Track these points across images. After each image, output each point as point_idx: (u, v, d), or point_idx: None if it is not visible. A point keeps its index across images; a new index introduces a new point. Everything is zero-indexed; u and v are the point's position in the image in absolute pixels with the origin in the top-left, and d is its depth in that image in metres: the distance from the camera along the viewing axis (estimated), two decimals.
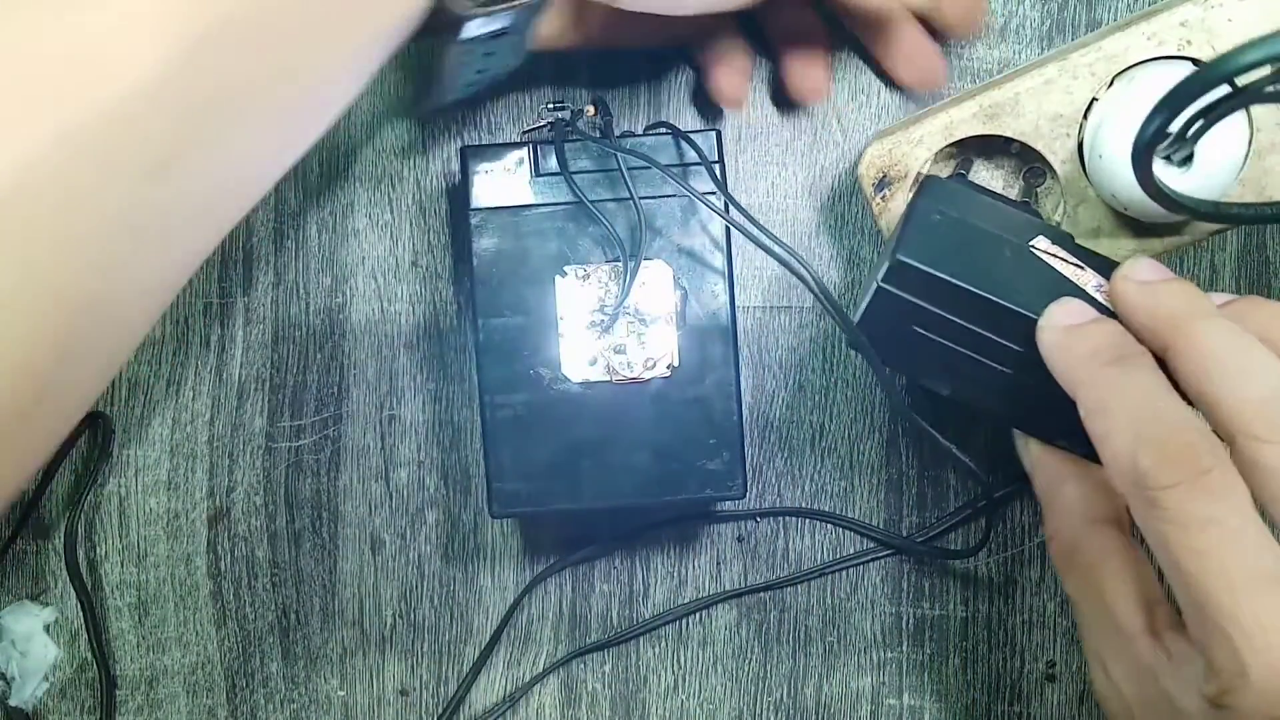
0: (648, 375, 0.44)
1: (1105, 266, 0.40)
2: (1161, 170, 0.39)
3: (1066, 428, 0.37)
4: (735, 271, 0.45)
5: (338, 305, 0.51)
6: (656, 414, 0.44)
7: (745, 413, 0.46)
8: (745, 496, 0.45)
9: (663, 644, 0.51)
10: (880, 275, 0.39)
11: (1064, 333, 0.37)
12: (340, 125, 0.50)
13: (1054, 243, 0.40)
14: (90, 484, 0.51)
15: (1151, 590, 0.36)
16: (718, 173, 0.44)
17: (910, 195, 0.44)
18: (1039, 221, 0.42)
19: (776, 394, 0.50)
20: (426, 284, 0.50)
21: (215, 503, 0.51)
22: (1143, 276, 0.37)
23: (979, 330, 0.39)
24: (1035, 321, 0.38)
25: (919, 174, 0.44)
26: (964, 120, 0.43)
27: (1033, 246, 0.40)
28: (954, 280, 0.38)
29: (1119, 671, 0.36)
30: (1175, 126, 0.36)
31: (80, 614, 0.51)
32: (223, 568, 0.51)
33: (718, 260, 0.44)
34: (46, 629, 0.51)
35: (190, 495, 0.51)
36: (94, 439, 0.51)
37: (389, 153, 0.50)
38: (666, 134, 0.44)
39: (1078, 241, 0.41)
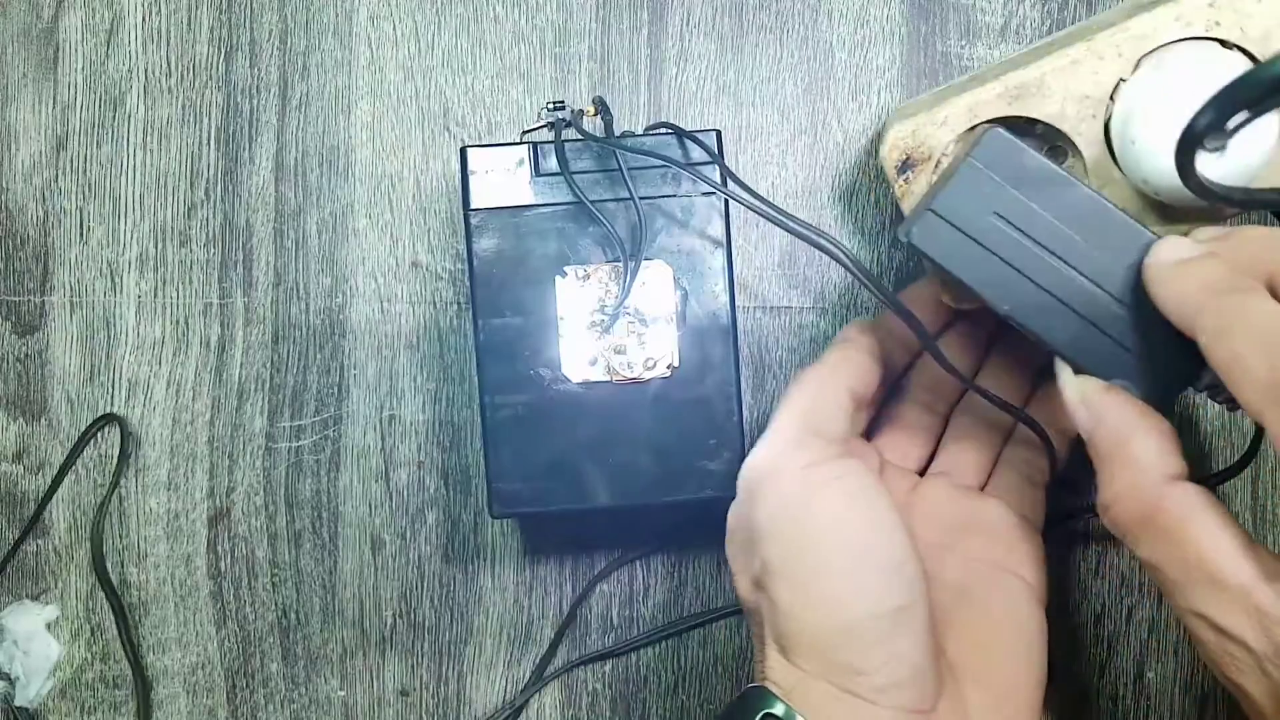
0: (648, 375, 0.44)
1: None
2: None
3: (1144, 364, 0.36)
4: (735, 271, 0.45)
5: (338, 305, 0.51)
6: (656, 414, 0.44)
7: (745, 413, 0.46)
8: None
9: (663, 644, 0.51)
10: (972, 151, 0.37)
11: (1174, 267, 0.36)
12: (340, 124, 0.50)
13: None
14: (113, 487, 0.51)
15: (1247, 537, 0.35)
16: (719, 171, 0.44)
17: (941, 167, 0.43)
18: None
19: (776, 394, 0.50)
20: (426, 284, 0.50)
21: (215, 503, 0.51)
22: (1174, 256, 0.37)
23: (1067, 230, 0.37)
24: (1137, 230, 0.37)
25: (941, 156, 0.43)
26: (989, 101, 0.42)
27: (1088, 181, 0.39)
28: (1055, 168, 0.37)
29: (1239, 625, 0.34)
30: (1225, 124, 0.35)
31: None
32: (223, 568, 0.51)
33: (718, 260, 0.44)
34: (48, 627, 0.51)
35: (190, 495, 0.51)
36: (119, 444, 0.51)
37: (389, 153, 0.51)
38: (667, 134, 0.44)
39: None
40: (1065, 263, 0.38)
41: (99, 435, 0.51)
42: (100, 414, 0.51)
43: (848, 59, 0.50)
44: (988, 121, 0.42)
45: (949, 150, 0.43)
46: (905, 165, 0.43)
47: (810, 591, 0.39)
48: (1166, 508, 0.36)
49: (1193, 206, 0.42)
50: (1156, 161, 0.39)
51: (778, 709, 0.38)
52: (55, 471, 0.51)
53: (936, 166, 0.43)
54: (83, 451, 0.51)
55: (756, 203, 0.42)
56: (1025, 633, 0.43)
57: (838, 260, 0.41)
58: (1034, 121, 0.42)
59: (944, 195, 0.38)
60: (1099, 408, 0.38)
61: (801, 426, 0.41)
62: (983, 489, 0.47)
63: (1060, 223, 0.37)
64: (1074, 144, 0.42)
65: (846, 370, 0.43)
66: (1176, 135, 0.36)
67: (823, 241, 0.41)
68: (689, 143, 0.44)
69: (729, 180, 0.43)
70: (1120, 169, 0.42)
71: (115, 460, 0.51)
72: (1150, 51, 0.41)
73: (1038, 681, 0.42)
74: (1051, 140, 0.44)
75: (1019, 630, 0.43)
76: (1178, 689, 0.50)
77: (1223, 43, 0.40)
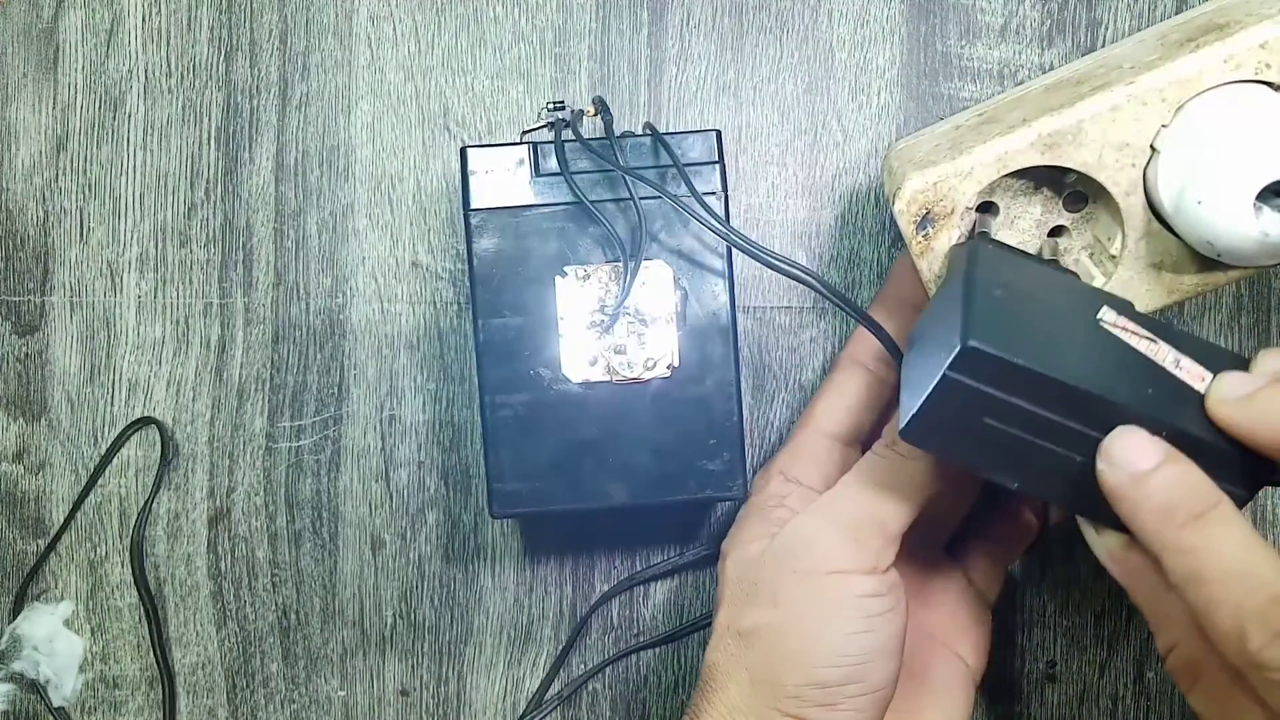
0: (648, 375, 0.44)
1: (1170, 335, 0.37)
2: (1271, 218, 0.36)
3: None
4: (735, 271, 0.45)
5: (338, 305, 0.51)
6: (656, 414, 0.44)
7: (745, 413, 0.46)
8: (746, 497, 0.45)
9: (662, 644, 0.51)
10: (947, 363, 0.34)
11: (1132, 484, 0.34)
12: (340, 124, 0.50)
13: (1119, 313, 0.37)
14: (155, 491, 0.51)
15: None
16: (719, 176, 0.44)
17: (955, 241, 0.40)
18: (1097, 290, 0.40)
19: (776, 394, 0.50)
20: (426, 284, 0.50)
21: (215, 503, 0.51)
22: (1239, 391, 0.35)
23: (1058, 419, 0.35)
24: (1119, 407, 0.34)
25: (962, 236, 0.40)
26: (1020, 150, 0.38)
27: (1101, 320, 0.36)
28: (1031, 366, 0.34)
29: None
30: None
31: (81, 615, 0.51)
32: (223, 568, 0.51)
33: (718, 260, 0.44)
34: (66, 623, 0.51)
35: (190, 495, 0.51)
36: (160, 448, 0.51)
37: (389, 153, 0.51)
38: (668, 134, 0.44)
39: (1136, 309, 0.38)
40: (1058, 446, 0.36)
41: (99, 435, 0.51)
42: (150, 419, 0.51)
43: (848, 59, 0.50)
44: (981, 237, 0.40)
45: (974, 202, 0.40)
46: (925, 221, 0.39)
47: (800, 662, 0.39)
48: (1210, 666, 0.35)
49: (1253, 264, 0.39)
50: (1228, 220, 0.36)
51: None
52: (56, 471, 0.51)
53: (958, 227, 0.40)
54: (118, 451, 0.51)
55: (722, 229, 0.42)
56: (955, 714, 0.44)
57: (806, 284, 0.41)
58: (1066, 171, 0.40)
59: (930, 403, 0.35)
60: (1127, 569, 0.37)
61: (873, 520, 0.40)
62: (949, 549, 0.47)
63: (1053, 415, 0.35)
64: (1105, 191, 0.40)
65: (915, 472, 0.41)
66: (1251, 192, 0.34)
67: (788, 268, 0.41)
68: (689, 142, 0.44)
69: (699, 203, 0.43)
70: (1168, 224, 0.39)
71: (156, 464, 0.51)
72: (1194, 96, 0.38)
73: None
74: (1065, 184, 0.41)
75: (948, 714, 0.44)
76: (1178, 689, 0.50)
77: (1272, 86, 0.38)
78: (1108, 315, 0.37)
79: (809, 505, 0.42)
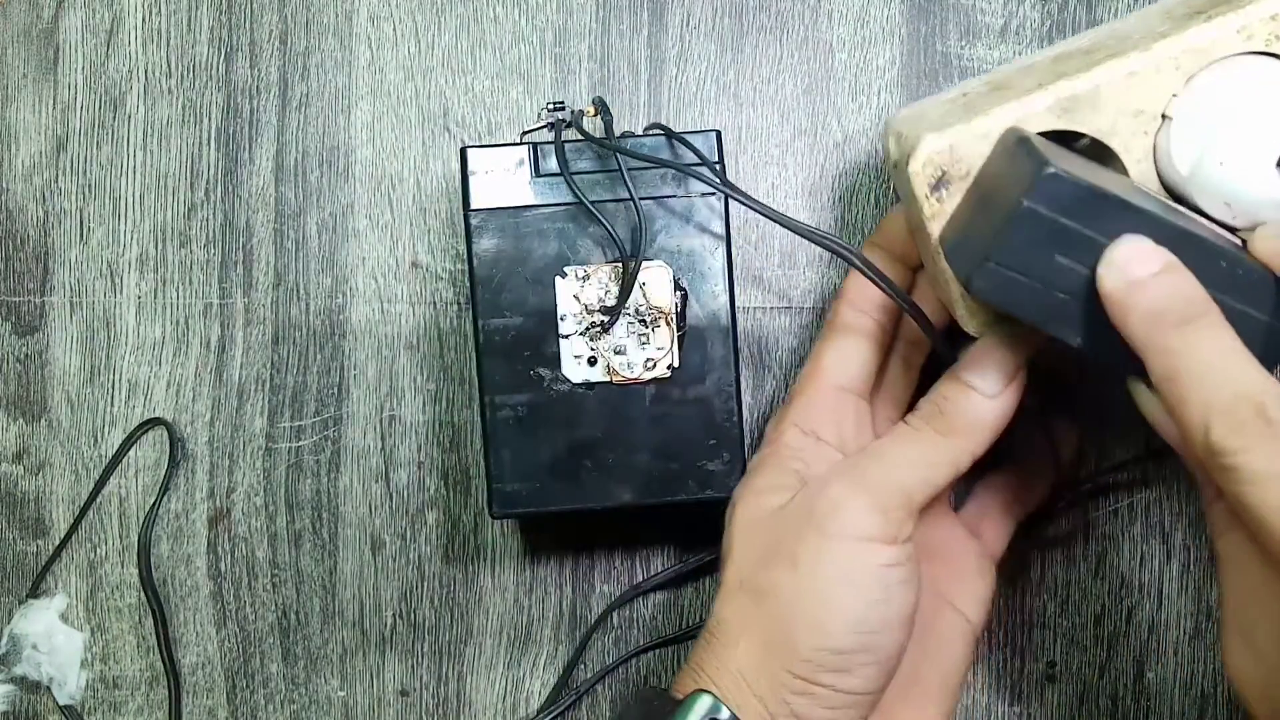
0: (648, 375, 0.44)
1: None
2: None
3: None
4: (735, 271, 0.45)
5: (338, 306, 0.51)
6: (656, 414, 0.44)
7: (745, 413, 0.46)
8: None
9: (665, 646, 0.51)
10: (1025, 193, 0.35)
11: (1127, 289, 0.35)
12: (340, 124, 0.50)
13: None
14: (162, 492, 0.51)
15: None
16: (719, 172, 0.44)
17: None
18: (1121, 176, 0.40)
19: (776, 394, 0.50)
20: (426, 284, 0.50)
21: (215, 503, 0.51)
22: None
23: None
24: (1189, 234, 0.35)
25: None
26: (1037, 114, 0.39)
27: (1138, 185, 0.38)
28: (1109, 190, 0.35)
29: (1267, 648, 0.35)
30: None
31: (81, 615, 0.51)
32: (223, 568, 0.51)
33: (718, 260, 0.44)
34: (63, 618, 0.51)
35: (190, 496, 0.51)
36: (168, 449, 0.51)
37: (389, 153, 0.51)
38: (662, 135, 0.44)
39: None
40: None
41: (99, 435, 0.51)
42: (160, 420, 0.51)
43: (848, 59, 0.50)
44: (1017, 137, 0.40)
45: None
46: (940, 183, 0.39)
47: (809, 620, 0.39)
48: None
49: (1261, 222, 0.40)
50: (1250, 182, 0.38)
51: (723, 715, 0.39)
52: (56, 472, 0.51)
53: (966, 176, 0.40)
54: (128, 452, 0.51)
55: (758, 205, 0.42)
56: (952, 672, 0.44)
57: (848, 260, 0.41)
58: (1075, 137, 0.40)
59: (1002, 242, 0.35)
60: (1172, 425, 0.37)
61: (900, 491, 0.40)
62: (958, 509, 0.47)
63: None
64: (1120, 160, 0.40)
65: (948, 449, 0.41)
66: (1273, 154, 0.36)
67: (829, 242, 0.41)
68: (690, 141, 0.44)
69: (727, 183, 0.43)
70: (1173, 191, 0.40)
71: (156, 464, 0.51)
72: (1205, 66, 0.39)
73: (947, 713, 0.44)
74: (1095, 154, 0.41)
75: (947, 668, 0.44)
76: (1178, 689, 0.50)
77: (1279, 58, 0.39)
78: (1143, 186, 0.38)
79: (831, 465, 0.41)
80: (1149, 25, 0.41)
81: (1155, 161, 0.40)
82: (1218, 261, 0.36)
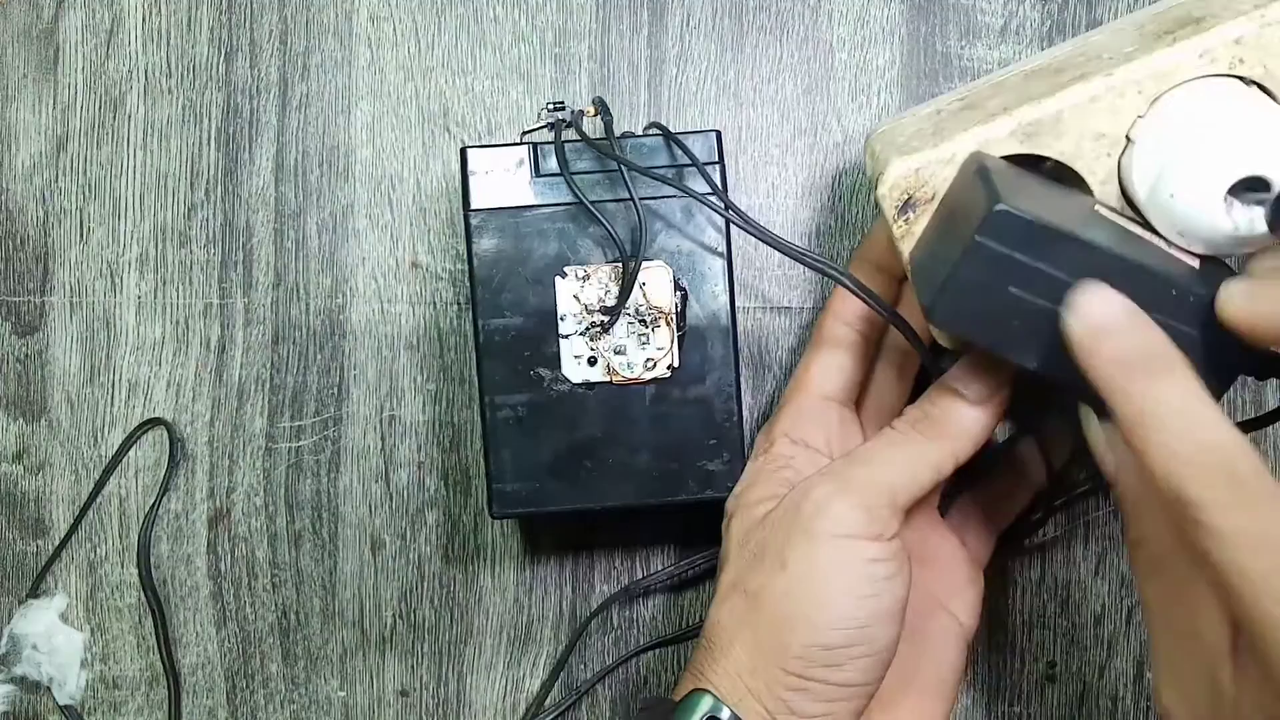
0: (648, 375, 0.44)
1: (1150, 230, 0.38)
2: (1241, 212, 0.37)
3: None
4: (735, 271, 0.45)
5: (338, 306, 0.51)
6: (656, 414, 0.44)
7: (745, 413, 0.46)
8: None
9: (665, 646, 0.51)
10: (977, 228, 0.35)
11: (1091, 336, 0.35)
12: (340, 124, 0.50)
13: (1108, 208, 0.39)
14: (162, 492, 0.51)
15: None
16: (719, 176, 0.44)
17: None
18: (1083, 194, 0.40)
19: (776, 394, 0.50)
20: (426, 284, 0.50)
21: (215, 503, 0.51)
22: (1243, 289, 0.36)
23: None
24: (1139, 266, 0.36)
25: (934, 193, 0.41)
26: (1000, 139, 0.39)
27: (1097, 208, 0.38)
28: (1060, 225, 0.35)
29: (1194, 691, 0.35)
30: None
31: (81, 615, 0.51)
32: (223, 569, 0.51)
33: (718, 261, 0.44)
34: (63, 618, 0.51)
35: (190, 496, 0.51)
36: (168, 449, 0.51)
37: (389, 153, 0.51)
38: (660, 135, 0.44)
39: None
40: None
41: (99, 435, 0.51)
42: (160, 420, 0.51)
43: (848, 59, 0.50)
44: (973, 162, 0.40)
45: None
46: (907, 206, 0.40)
47: (801, 616, 0.40)
48: (1174, 564, 0.36)
49: (1221, 254, 0.40)
50: (1200, 214, 0.37)
51: (723, 714, 0.39)
52: (56, 472, 0.51)
53: (932, 199, 0.41)
54: (128, 452, 0.51)
55: (750, 226, 0.42)
56: (947, 673, 0.45)
57: (838, 280, 0.41)
58: (1042, 157, 0.40)
59: (956, 273, 0.36)
60: (1124, 461, 0.37)
61: (884, 490, 0.40)
62: (944, 515, 0.48)
63: (1072, 278, 0.36)
64: (1084, 182, 0.40)
65: (930, 454, 0.42)
66: (1222, 187, 0.35)
67: (820, 264, 0.42)
68: (689, 143, 0.44)
69: (726, 203, 0.43)
70: (1141, 212, 0.40)
71: (156, 465, 0.51)
72: (1169, 89, 0.39)
73: (945, 713, 0.44)
74: (1059, 175, 0.41)
75: (943, 670, 0.45)
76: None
77: (1243, 80, 0.38)
78: (1101, 207, 0.38)
79: (817, 468, 0.42)
80: (1119, 42, 0.41)
81: (1119, 183, 0.40)
82: (1168, 291, 0.36)
